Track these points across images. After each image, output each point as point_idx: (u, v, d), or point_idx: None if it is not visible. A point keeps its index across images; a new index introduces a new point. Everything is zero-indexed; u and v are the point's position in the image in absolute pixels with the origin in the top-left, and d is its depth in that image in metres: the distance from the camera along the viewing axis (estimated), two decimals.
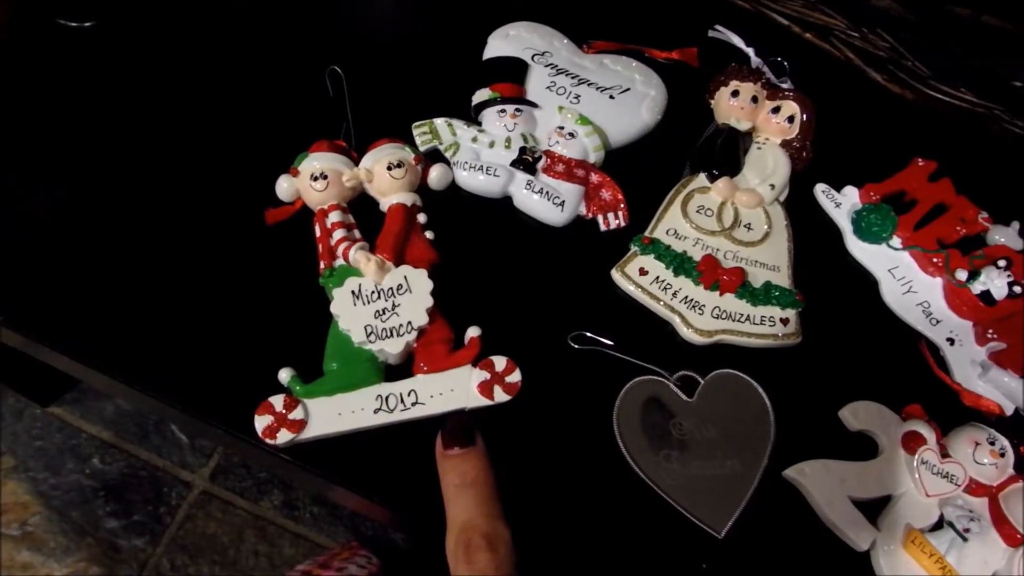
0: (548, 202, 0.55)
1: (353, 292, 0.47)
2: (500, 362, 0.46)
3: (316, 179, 0.51)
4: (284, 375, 0.45)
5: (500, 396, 0.46)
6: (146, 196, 0.53)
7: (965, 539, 0.45)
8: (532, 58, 0.62)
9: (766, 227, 0.57)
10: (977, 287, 0.54)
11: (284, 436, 0.43)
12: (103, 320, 0.48)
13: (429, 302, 0.47)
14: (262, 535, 1.09)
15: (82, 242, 0.51)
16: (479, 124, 0.59)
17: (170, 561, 1.06)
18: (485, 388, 0.46)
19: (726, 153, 0.59)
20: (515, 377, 0.46)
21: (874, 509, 0.46)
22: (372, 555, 1.01)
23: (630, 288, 0.53)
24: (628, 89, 0.62)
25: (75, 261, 0.50)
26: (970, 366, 0.53)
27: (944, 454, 0.47)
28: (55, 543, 1.06)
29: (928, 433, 0.47)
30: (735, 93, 0.60)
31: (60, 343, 0.47)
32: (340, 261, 0.49)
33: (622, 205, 0.56)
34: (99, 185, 0.54)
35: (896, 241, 0.58)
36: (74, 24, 0.62)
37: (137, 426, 1.15)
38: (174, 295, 0.49)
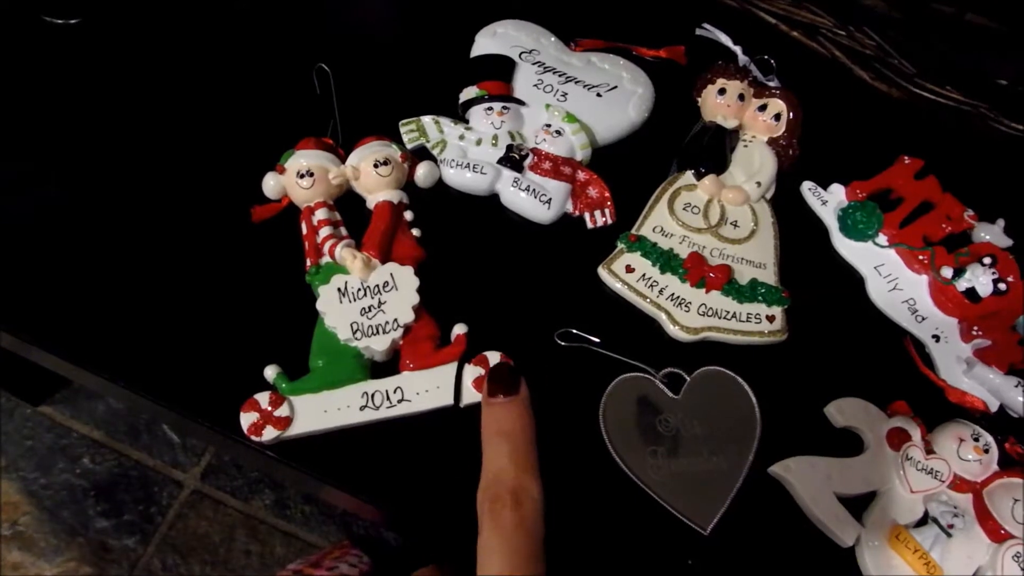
0: (535, 199, 0.55)
1: (339, 289, 0.47)
2: (494, 357, 0.47)
3: (302, 176, 0.51)
4: (270, 372, 0.45)
5: None
6: (133, 194, 0.53)
7: (949, 535, 0.44)
8: (519, 56, 0.62)
9: (752, 224, 0.57)
10: (962, 284, 0.54)
11: (270, 433, 0.43)
12: (92, 319, 0.48)
13: (415, 299, 0.47)
14: (253, 534, 1.09)
15: (70, 241, 0.51)
16: (466, 122, 0.59)
17: (161, 561, 1.06)
18: (480, 383, 0.45)
19: (713, 151, 0.59)
20: None
21: (859, 505, 0.46)
22: (363, 554, 1.01)
23: (617, 285, 0.53)
24: (615, 87, 0.62)
25: (63, 260, 0.50)
26: (955, 363, 0.53)
27: (929, 450, 0.47)
28: (45, 543, 1.06)
29: (913, 429, 0.48)
30: (722, 91, 0.60)
31: (50, 342, 0.47)
32: (326, 258, 0.49)
33: (609, 203, 0.56)
34: (86, 183, 0.54)
35: (882, 239, 0.58)
36: (60, 21, 0.62)
37: (128, 425, 1.14)
38: (162, 293, 0.49)
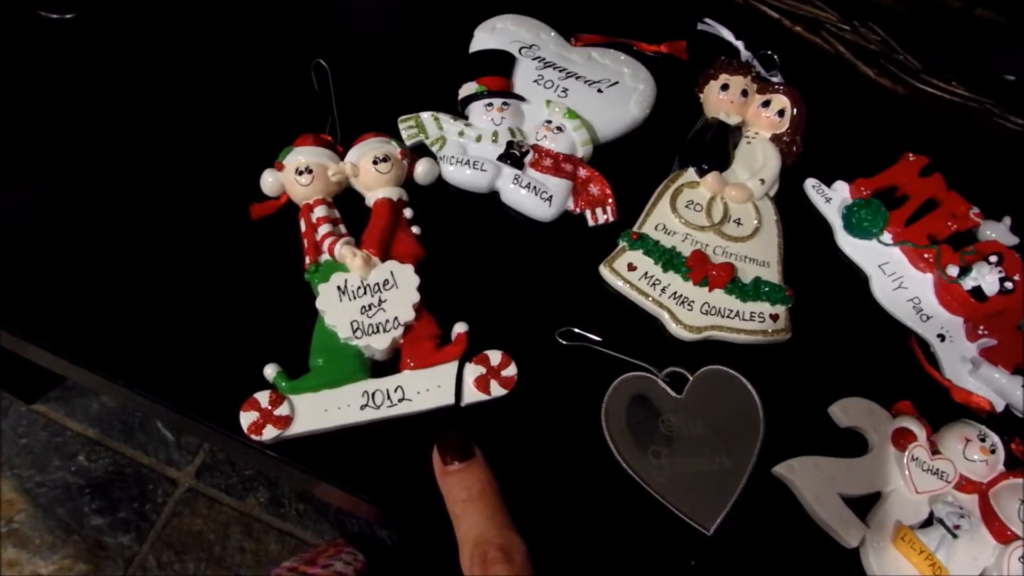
0: (536, 197, 0.54)
1: (339, 287, 0.47)
2: (495, 356, 0.46)
3: (301, 173, 0.50)
4: (269, 371, 0.45)
5: (496, 390, 0.46)
6: (130, 191, 0.53)
7: (955, 536, 0.44)
8: (519, 51, 0.62)
9: (756, 222, 0.56)
10: (968, 283, 0.54)
11: (270, 432, 0.43)
12: (88, 316, 0.47)
13: (416, 297, 0.47)
14: (248, 532, 1.09)
15: (66, 238, 0.50)
16: (466, 118, 0.58)
17: (156, 558, 1.06)
18: (481, 383, 0.45)
19: (715, 147, 0.58)
20: (511, 371, 0.46)
21: (864, 506, 0.46)
22: (358, 552, 1.01)
23: (618, 284, 0.52)
24: (616, 83, 0.61)
25: (59, 257, 0.49)
26: (961, 362, 0.53)
27: (934, 451, 0.47)
28: (41, 540, 1.06)
29: (918, 430, 0.47)
30: (725, 87, 0.60)
31: (45, 340, 0.47)
32: (326, 256, 0.49)
33: (610, 200, 0.55)
34: (83, 181, 0.53)
35: (887, 237, 0.57)
36: (55, 16, 0.61)
37: (122, 423, 1.15)
38: (159, 290, 0.49)
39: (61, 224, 0.51)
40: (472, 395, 0.45)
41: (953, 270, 0.54)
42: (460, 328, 0.47)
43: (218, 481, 1.12)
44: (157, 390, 0.45)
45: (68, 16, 0.62)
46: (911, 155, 0.60)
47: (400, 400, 0.45)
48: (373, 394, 0.45)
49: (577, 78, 0.61)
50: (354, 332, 0.45)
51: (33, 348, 0.47)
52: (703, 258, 0.53)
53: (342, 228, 0.51)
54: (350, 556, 1.00)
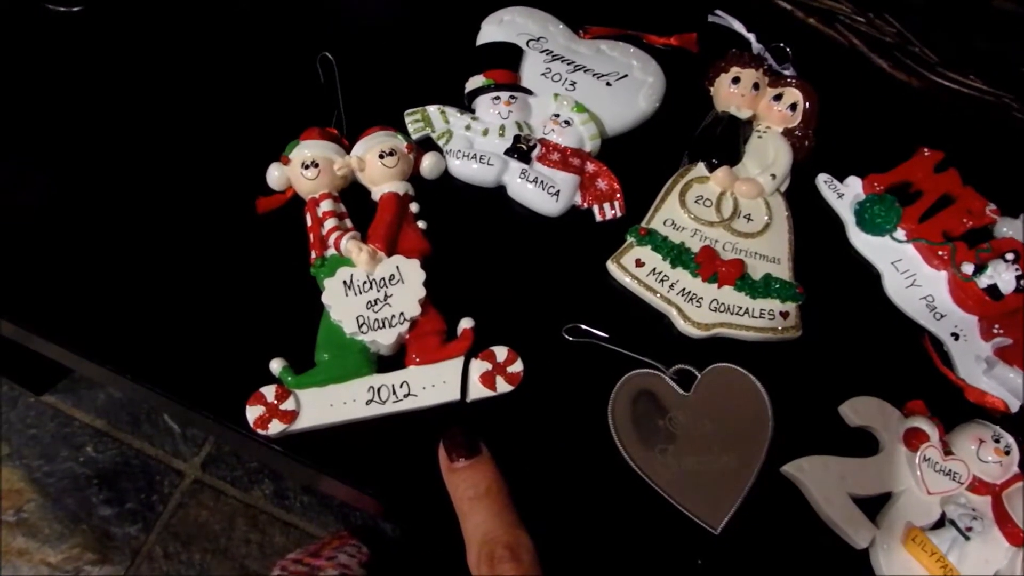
0: (543, 191, 0.54)
1: (345, 282, 0.47)
2: (501, 352, 0.46)
3: (307, 167, 0.50)
4: (275, 366, 0.45)
5: (502, 387, 0.45)
6: (136, 185, 0.53)
7: (967, 538, 0.44)
8: (527, 44, 0.61)
9: (766, 218, 0.56)
10: (984, 281, 0.53)
11: (276, 427, 0.43)
12: (96, 309, 0.47)
13: (421, 293, 0.47)
14: (253, 524, 1.10)
15: (73, 231, 0.50)
16: (473, 112, 0.58)
17: (162, 548, 1.07)
18: (487, 379, 0.45)
19: (726, 142, 0.58)
20: (517, 367, 0.46)
21: (874, 506, 0.46)
22: (362, 544, 1.01)
23: (626, 280, 0.52)
24: (625, 76, 0.61)
25: (67, 250, 0.49)
26: (975, 362, 0.52)
27: (947, 451, 0.46)
28: (50, 529, 1.07)
29: (931, 430, 0.47)
30: (736, 80, 0.59)
31: (53, 332, 0.47)
32: (332, 251, 0.49)
33: (618, 195, 0.55)
34: (89, 174, 0.53)
35: (900, 233, 0.57)
36: (62, 8, 0.61)
37: (129, 415, 1.16)
38: (165, 284, 0.49)
39: (69, 218, 0.51)
40: (478, 391, 0.45)
41: (968, 268, 0.53)
42: (466, 324, 0.47)
43: (224, 473, 1.13)
44: (164, 384, 0.45)
45: (75, 9, 0.61)
46: (926, 150, 0.59)
47: (405, 396, 0.45)
48: (378, 389, 0.45)
49: (585, 71, 0.60)
50: (360, 327, 0.45)
51: (41, 341, 0.48)
52: (712, 254, 0.52)
53: (348, 223, 0.50)
54: (354, 548, 1.00)
